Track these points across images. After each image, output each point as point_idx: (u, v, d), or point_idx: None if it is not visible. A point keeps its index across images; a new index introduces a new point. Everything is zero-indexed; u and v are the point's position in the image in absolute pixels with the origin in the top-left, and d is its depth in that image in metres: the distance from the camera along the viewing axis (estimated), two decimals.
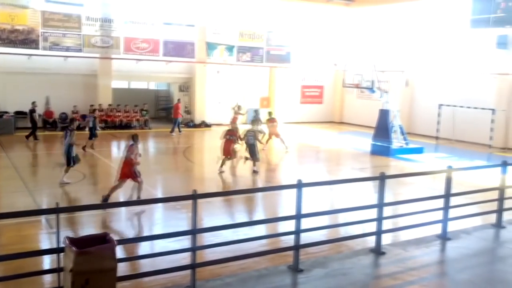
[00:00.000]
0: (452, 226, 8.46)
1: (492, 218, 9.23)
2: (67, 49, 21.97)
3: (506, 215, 9.30)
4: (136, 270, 6.76)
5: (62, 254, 5.34)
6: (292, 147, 19.78)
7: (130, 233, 9.28)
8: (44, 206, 10.59)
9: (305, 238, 7.12)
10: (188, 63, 25.55)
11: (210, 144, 21.33)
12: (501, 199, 9.10)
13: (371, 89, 19.09)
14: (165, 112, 28.51)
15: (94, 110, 20.51)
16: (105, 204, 9.79)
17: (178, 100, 23.83)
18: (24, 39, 20.99)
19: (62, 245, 5.30)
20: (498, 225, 9.08)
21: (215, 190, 12.19)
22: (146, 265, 6.76)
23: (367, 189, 12.55)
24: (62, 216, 5.47)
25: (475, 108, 21.29)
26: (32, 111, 19.79)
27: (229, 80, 26.92)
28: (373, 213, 7.57)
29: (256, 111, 21.87)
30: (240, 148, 15.54)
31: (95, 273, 5.02)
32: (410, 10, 25.24)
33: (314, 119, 29.10)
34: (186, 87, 26.40)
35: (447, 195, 8.22)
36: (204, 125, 25.35)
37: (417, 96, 25.73)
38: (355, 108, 29.06)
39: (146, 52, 23.80)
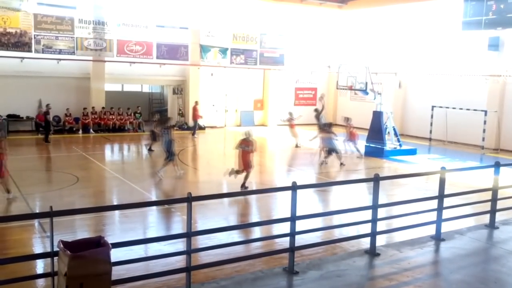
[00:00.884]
0: (446, 227, 8.50)
1: (486, 218, 9.28)
2: (60, 52, 21.87)
3: (499, 216, 9.35)
4: (130, 274, 6.73)
5: (56, 258, 5.30)
6: (286, 149, 19.80)
7: (124, 236, 9.24)
8: (37, 210, 10.52)
9: (300, 240, 7.13)
10: (182, 65, 25.54)
11: (204, 147, 21.34)
12: (494, 200, 9.14)
13: (364, 91, 19.17)
14: (158, 114, 28.44)
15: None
16: (99, 207, 9.76)
17: (196, 102, 23.78)
18: (16, 42, 20.88)
19: (56, 249, 5.27)
20: (492, 225, 9.12)
21: (210, 193, 12.18)
22: (140, 268, 6.73)
23: (361, 190, 12.58)
24: (56, 220, 5.43)
25: (468, 109, 21.43)
26: (46, 113, 20.14)
27: (223, 82, 26.93)
28: (367, 215, 7.59)
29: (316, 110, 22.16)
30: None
31: (89, 277, 4.99)
32: (402, 13, 25.38)
33: (308, 121, 29.11)
34: (179, 89, 26.37)
35: (440, 196, 8.26)
36: (198, 127, 25.31)
37: (410, 98, 25.87)
38: (349, 110, 29.12)
39: (139, 55, 23.76)
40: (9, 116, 21.67)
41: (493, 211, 9.19)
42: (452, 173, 10.29)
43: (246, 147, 12.77)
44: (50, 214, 5.34)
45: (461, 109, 21.72)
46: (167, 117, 18.42)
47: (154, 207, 10.83)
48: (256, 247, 8.00)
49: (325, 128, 17.46)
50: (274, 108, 28.38)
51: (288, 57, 27.98)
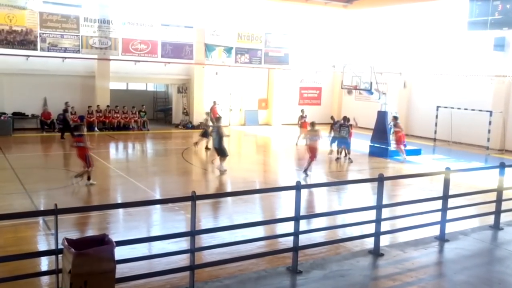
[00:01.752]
0: (450, 228, 8.48)
1: (490, 219, 9.25)
2: (65, 50, 21.93)
3: (504, 217, 9.32)
4: (134, 272, 6.75)
5: (60, 255, 5.33)
6: (290, 149, 19.75)
7: (128, 235, 9.25)
8: (42, 208, 10.56)
9: (303, 239, 7.13)
10: (187, 64, 25.56)
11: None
12: (498, 201, 9.11)
13: (369, 91, 19.12)
14: (163, 113, 28.52)
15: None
16: (103, 205, 9.79)
17: (214, 102, 23.73)
18: (22, 40, 20.96)
19: (60, 246, 5.29)
20: (496, 226, 9.10)
21: (213, 191, 12.20)
22: (144, 266, 6.75)
23: (365, 190, 12.56)
24: (61, 217, 5.46)
25: (473, 110, 21.34)
26: (65, 110, 20.56)
27: (227, 81, 26.94)
28: (371, 215, 7.58)
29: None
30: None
31: (93, 275, 5.00)
32: (407, 12, 25.30)
33: (312, 120, 29.06)
34: (184, 88, 26.40)
35: (445, 197, 8.23)
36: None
37: (415, 98, 25.78)
38: (353, 109, 29.05)
39: (144, 54, 23.79)
40: (14, 113, 21.77)
41: (497, 212, 9.16)
42: (456, 173, 10.25)
43: (313, 137, 14.44)
44: (55, 211, 5.36)
45: (466, 109, 21.63)
46: (219, 117, 18.27)
47: (158, 206, 10.85)
48: (259, 246, 8.00)
49: (341, 127, 17.78)
50: (278, 108, 28.36)
51: (292, 57, 27.95)
